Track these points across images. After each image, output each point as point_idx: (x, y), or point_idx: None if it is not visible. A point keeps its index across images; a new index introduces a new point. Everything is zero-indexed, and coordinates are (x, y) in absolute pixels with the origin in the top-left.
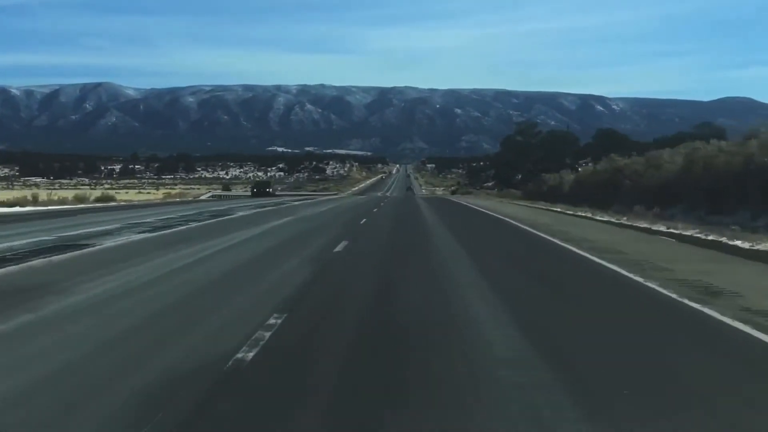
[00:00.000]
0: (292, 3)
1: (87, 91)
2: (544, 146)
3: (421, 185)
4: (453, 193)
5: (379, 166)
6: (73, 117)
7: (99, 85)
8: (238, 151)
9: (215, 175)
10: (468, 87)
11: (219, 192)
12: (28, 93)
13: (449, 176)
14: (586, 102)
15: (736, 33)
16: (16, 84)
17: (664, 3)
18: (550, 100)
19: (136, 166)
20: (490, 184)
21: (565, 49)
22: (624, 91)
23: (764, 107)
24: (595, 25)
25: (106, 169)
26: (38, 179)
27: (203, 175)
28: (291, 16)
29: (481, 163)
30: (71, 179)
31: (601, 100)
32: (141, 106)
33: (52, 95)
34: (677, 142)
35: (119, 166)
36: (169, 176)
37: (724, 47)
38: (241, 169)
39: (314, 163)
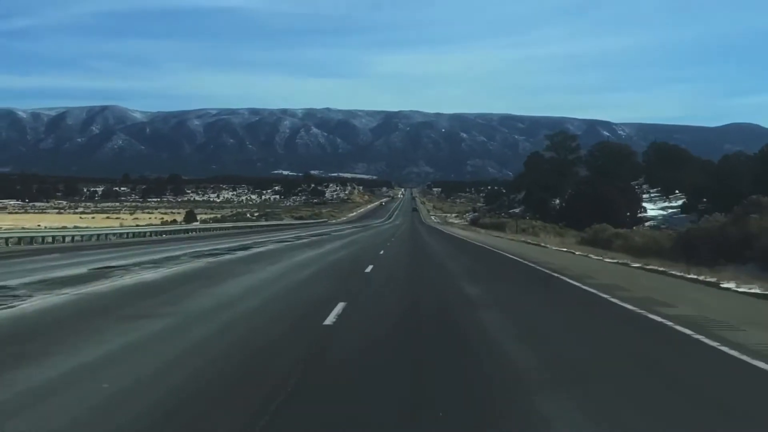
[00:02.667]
0: (298, 27)
1: (94, 113)
2: (590, 163)
3: (429, 211)
4: (475, 223)
5: (384, 189)
6: (80, 140)
7: (106, 108)
8: (245, 175)
9: (205, 198)
10: (473, 111)
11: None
12: (35, 115)
13: (458, 201)
14: (592, 127)
15: (743, 59)
16: (22, 107)
17: (671, 29)
18: (556, 124)
19: (121, 188)
20: (517, 210)
21: (571, 74)
22: (630, 117)
23: None
24: (601, 50)
25: (89, 191)
26: (12, 201)
27: (192, 198)
28: (298, 40)
29: (493, 187)
30: (47, 201)
31: (607, 125)
32: (147, 129)
33: (59, 118)
34: None
35: (101, 189)
36: (155, 199)
37: (730, 74)
38: (234, 192)
39: (312, 185)
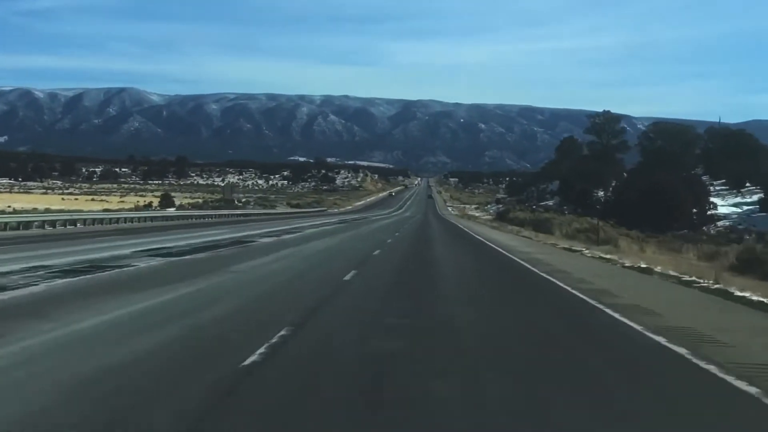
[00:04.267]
0: (318, 15)
1: (111, 95)
2: (645, 146)
3: (445, 201)
4: (504, 218)
5: (400, 178)
6: (96, 121)
7: (123, 90)
8: (262, 161)
9: (209, 181)
10: (493, 102)
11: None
12: (52, 96)
13: (477, 191)
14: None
15: (765, 55)
16: (40, 87)
17: (692, 25)
18: (576, 117)
19: (122, 170)
20: (550, 202)
21: (591, 68)
22: (650, 111)
23: None
24: (622, 44)
25: (87, 171)
26: (3, 180)
27: (196, 182)
28: (318, 27)
29: (513, 178)
30: (42, 181)
31: (627, 118)
32: (164, 112)
33: (76, 99)
34: None
35: (100, 169)
36: (157, 181)
37: (752, 70)
38: (240, 176)
39: (323, 171)
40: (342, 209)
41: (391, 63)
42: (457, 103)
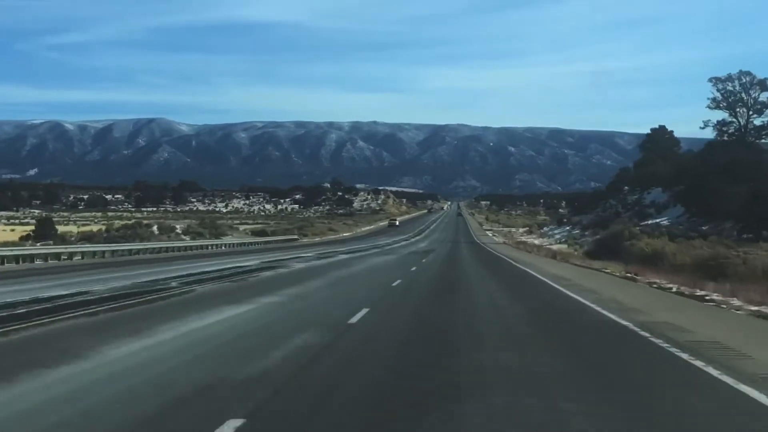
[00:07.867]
0: (346, 42)
1: (140, 126)
2: None
3: (481, 224)
4: (607, 252)
5: (429, 202)
6: (126, 152)
7: (152, 120)
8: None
9: (211, 207)
10: (522, 125)
11: None
12: (82, 128)
13: (514, 212)
14: (641, 141)
15: None
16: (70, 119)
17: (724, 43)
18: (606, 139)
19: (115, 196)
20: (663, 220)
21: (621, 90)
22: (681, 132)
23: None
24: (651, 65)
25: (74, 198)
26: None
27: (195, 208)
28: (345, 55)
29: (549, 200)
30: (17, 210)
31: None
32: (193, 142)
33: (106, 130)
34: None
35: (87, 196)
36: (151, 208)
37: None
38: (247, 201)
39: (339, 193)
40: (337, 236)
41: (418, 88)
42: (486, 127)
